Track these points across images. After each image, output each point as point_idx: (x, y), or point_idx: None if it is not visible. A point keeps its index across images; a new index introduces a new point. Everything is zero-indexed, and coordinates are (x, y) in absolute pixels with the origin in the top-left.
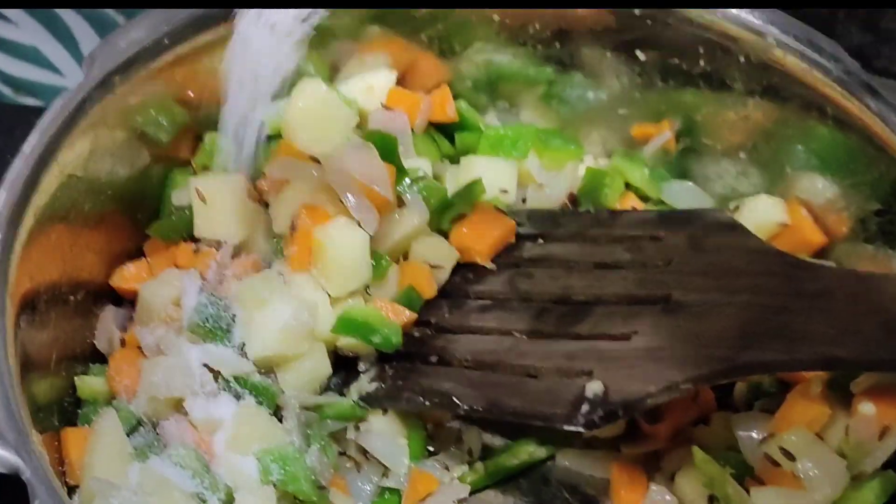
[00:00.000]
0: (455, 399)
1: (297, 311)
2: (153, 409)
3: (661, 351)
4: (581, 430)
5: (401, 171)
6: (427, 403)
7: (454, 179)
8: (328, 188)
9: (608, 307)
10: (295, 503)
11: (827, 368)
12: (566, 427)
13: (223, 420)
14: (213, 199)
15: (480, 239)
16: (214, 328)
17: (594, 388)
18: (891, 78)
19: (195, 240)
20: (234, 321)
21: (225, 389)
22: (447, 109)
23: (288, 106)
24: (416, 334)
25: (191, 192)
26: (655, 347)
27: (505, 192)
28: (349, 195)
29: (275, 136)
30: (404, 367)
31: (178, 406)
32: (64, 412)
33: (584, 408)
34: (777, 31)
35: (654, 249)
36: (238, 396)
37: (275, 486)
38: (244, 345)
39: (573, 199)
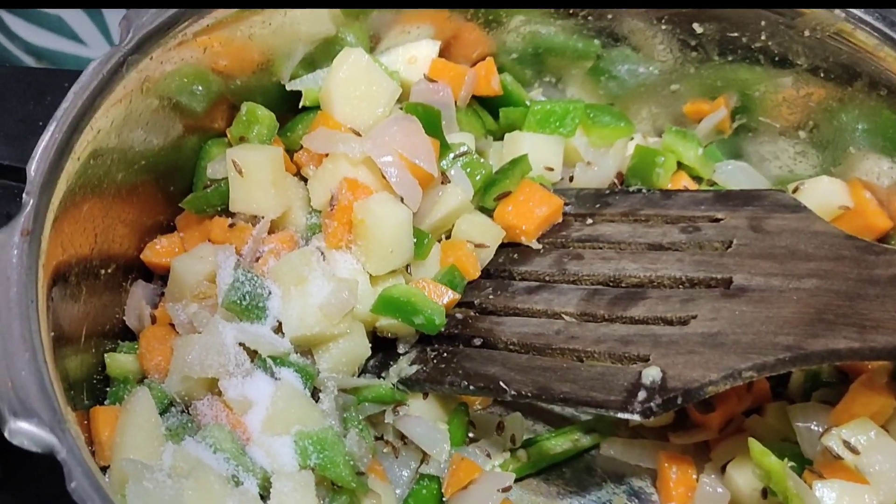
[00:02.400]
0: (502, 383)
1: (337, 288)
2: (186, 389)
3: (721, 336)
4: (637, 417)
5: (444, 146)
6: (472, 388)
7: (498, 156)
8: (370, 162)
9: (664, 290)
10: (332, 489)
11: None
12: (621, 415)
13: (259, 400)
14: (250, 171)
15: (526, 218)
16: (250, 306)
17: (651, 374)
18: None
19: (230, 214)
20: (270, 299)
21: (261, 368)
22: (492, 82)
23: (328, 76)
24: (459, 316)
25: (227, 163)
26: (716, 333)
27: (551, 169)
28: (391, 169)
29: (313, 107)
30: (447, 350)
31: (212, 386)
32: (93, 391)
33: (641, 395)
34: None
35: (713, 231)
36: (274, 376)
37: (312, 470)
38: (281, 324)
39: (622, 179)
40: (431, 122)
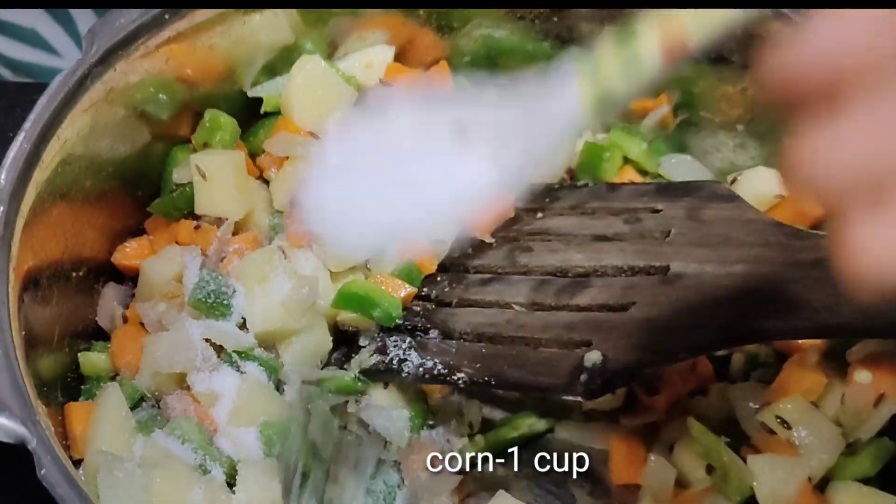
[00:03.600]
0: (455, 371)
1: (297, 285)
2: (156, 384)
3: (659, 321)
4: (580, 399)
5: None
6: (427, 376)
7: None
8: None
9: (607, 279)
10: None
11: (824, 336)
12: (566, 396)
13: (225, 393)
14: (213, 175)
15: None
16: (216, 304)
17: (593, 357)
18: None
19: (196, 217)
20: (234, 296)
21: (227, 363)
22: (446, 85)
23: (287, 82)
24: (417, 308)
25: (191, 169)
26: (654, 317)
27: None
28: None
29: (274, 113)
30: (405, 341)
31: (180, 381)
32: (67, 388)
33: (584, 377)
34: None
35: (653, 221)
36: (240, 370)
37: (277, 458)
38: (245, 320)
39: (571, 174)
40: None
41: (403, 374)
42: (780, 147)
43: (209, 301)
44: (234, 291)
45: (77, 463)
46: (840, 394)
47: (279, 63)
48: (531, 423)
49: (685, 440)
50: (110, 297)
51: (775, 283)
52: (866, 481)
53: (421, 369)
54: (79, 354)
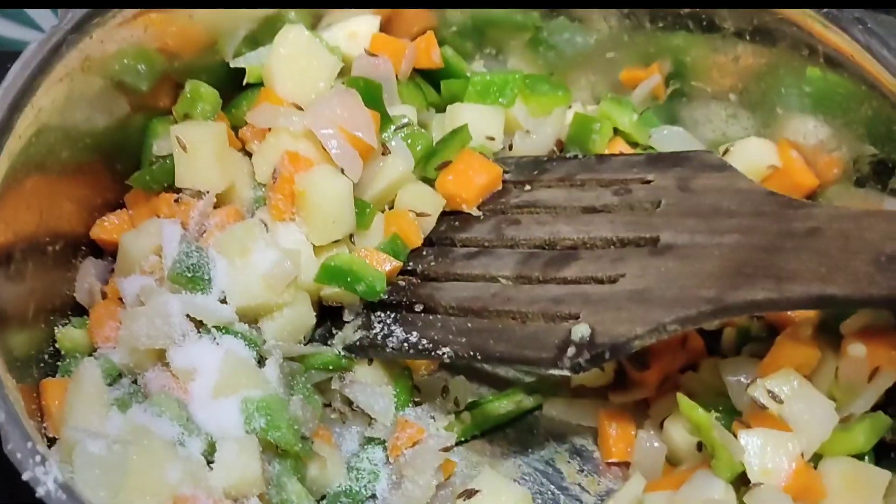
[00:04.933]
0: (440, 346)
1: (279, 259)
2: (135, 361)
3: (648, 293)
4: (567, 373)
5: (385, 119)
6: (412, 352)
7: (440, 127)
8: (311, 135)
9: (595, 251)
10: (277, 454)
11: (818, 306)
12: (553, 371)
13: (204, 368)
14: (193, 147)
15: (466, 186)
16: (196, 278)
17: (581, 330)
18: None
19: (176, 190)
20: (215, 270)
21: (207, 338)
22: (432, 55)
23: (270, 53)
24: (402, 283)
25: (171, 140)
26: (643, 289)
27: (492, 139)
28: (332, 142)
29: (256, 84)
30: (390, 317)
31: (160, 357)
32: (44, 365)
33: (571, 351)
34: None
35: (643, 192)
36: (219, 344)
37: (257, 435)
38: (226, 295)
39: (561, 146)
40: (372, 95)
41: (388, 350)
42: (772, 117)
43: (189, 275)
44: (215, 265)
45: (54, 441)
46: (834, 368)
47: (262, 33)
48: (518, 400)
49: (675, 417)
50: (88, 272)
51: (767, 253)
52: (861, 457)
53: (405, 344)
54: (56, 330)
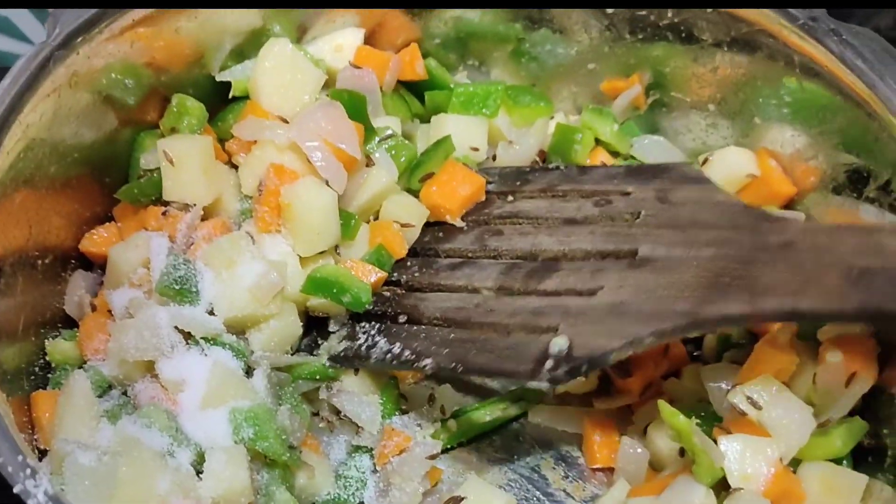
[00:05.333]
0: (422, 358)
1: (266, 270)
2: (124, 373)
3: (625, 306)
4: (545, 385)
5: (369, 131)
6: (394, 363)
7: (425, 138)
8: (296, 148)
9: (575, 262)
10: (266, 463)
11: (790, 320)
12: (531, 383)
13: (193, 379)
14: (180, 160)
15: (450, 197)
16: (183, 290)
17: (559, 343)
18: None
19: (165, 203)
20: (202, 282)
21: (195, 349)
22: (416, 67)
23: (255, 67)
24: (387, 294)
25: (159, 154)
26: (620, 302)
27: (476, 149)
28: (317, 154)
29: (242, 97)
30: (374, 327)
31: (149, 368)
32: (35, 377)
33: (549, 363)
34: None
35: (623, 203)
36: (207, 356)
37: (246, 445)
38: (213, 306)
39: (543, 156)
40: (357, 108)
41: (371, 361)
42: (751, 127)
43: (177, 287)
44: (203, 277)
45: (46, 453)
46: (812, 374)
47: (248, 47)
48: (504, 408)
49: (658, 423)
50: (78, 285)
51: (743, 266)
52: (839, 461)
53: (388, 355)
54: (46, 343)
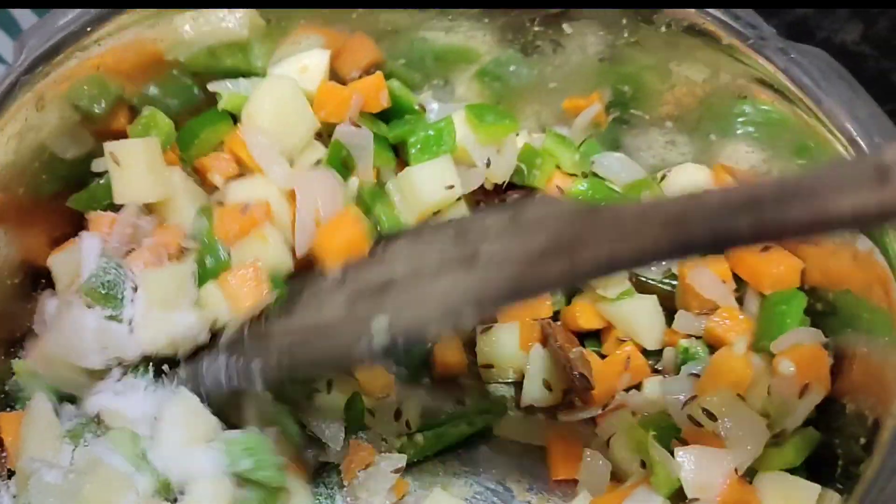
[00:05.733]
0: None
1: (197, 327)
2: (62, 381)
3: (452, 287)
4: (367, 362)
5: None
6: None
7: (399, 190)
8: (290, 195)
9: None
10: (250, 486)
11: (610, 270)
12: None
13: (168, 417)
14: (126, 160)
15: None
16: (109, 295)
17: (380, 321)
18: (832, 48)
19: (117, 209)
20: (130, 293)
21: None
22: (380, 99)
23: (252, 99)
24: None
25: (106, 156)
26: (449, 287)
27: (451, 187)
28: (305, 215)
29: (217, 113)
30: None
31: (93, 377)
32: (6, 396)
33: (363, 341)
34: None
35: (478, 228)
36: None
37: (242, 475)
38: (133, 327)
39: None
40: (345, 169)
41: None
42: (707, 143)
43: (103, 291)
44: (132, 292)
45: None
46: (766, 385)
47: (225, 56)
48: (470, 422)
49: (620, 435)
50: (47, 303)
51: (569, 241)
52: (793, 471)
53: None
54: (13, 362)
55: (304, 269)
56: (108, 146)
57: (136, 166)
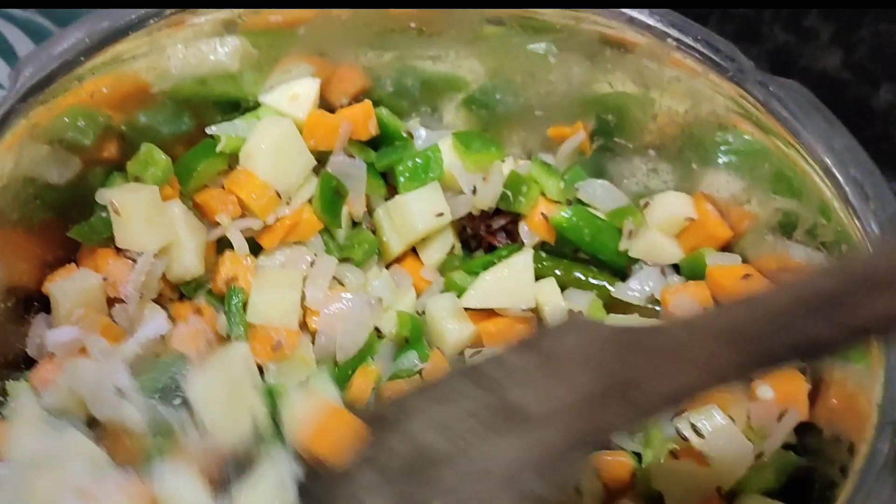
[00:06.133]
0: None
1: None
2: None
3: (497, 453)
4: None
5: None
6: None
7: (388, 218)
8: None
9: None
10: None
11: (678, 402)
12: None
13: None
14: (126, 210)
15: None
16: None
17: None
18: (813, 75)
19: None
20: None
21: None
22: (369, 127)
23: (250, 141)
24: None
25: (107, 204)
26: (491, 452)
27: (441, 214)
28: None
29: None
30: None
31: None
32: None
33: None
34: (677, 33)
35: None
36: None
37: None
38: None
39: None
40: (336, 199)
41: None
42: (689, 171)
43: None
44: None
45: None
46: (746, 409)
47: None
48: None
49: None
50: (41, 327)
51: (625, 376)
52: (771, 494)
53: None
54: (6, 383)
55: (316, 466)
56: (109, 194)
57: (136, 217)
